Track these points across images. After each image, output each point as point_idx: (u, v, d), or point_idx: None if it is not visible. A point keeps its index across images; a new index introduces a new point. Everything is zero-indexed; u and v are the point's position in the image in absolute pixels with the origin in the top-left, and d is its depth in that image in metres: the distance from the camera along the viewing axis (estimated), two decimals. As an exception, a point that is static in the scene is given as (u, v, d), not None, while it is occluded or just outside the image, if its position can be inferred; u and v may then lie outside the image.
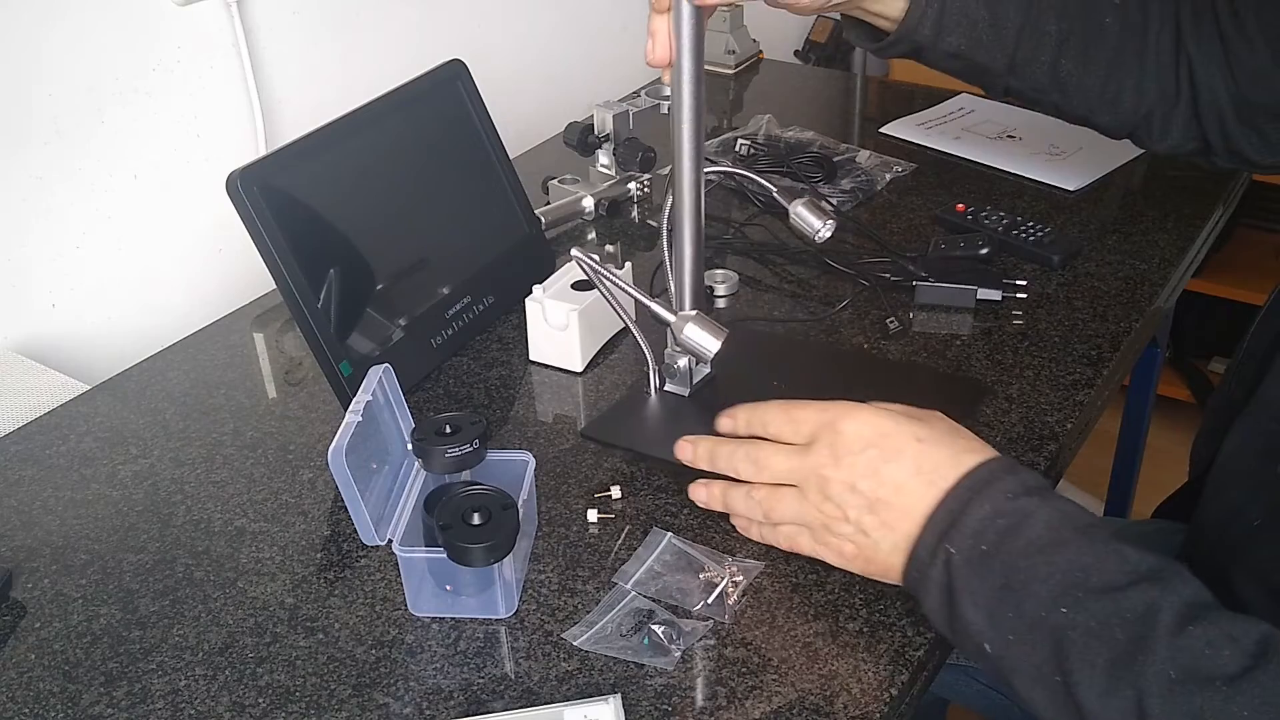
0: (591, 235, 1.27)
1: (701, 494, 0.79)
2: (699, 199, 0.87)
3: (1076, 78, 0.94)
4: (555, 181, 1.30)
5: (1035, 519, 0.63)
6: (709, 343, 0.88)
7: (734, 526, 0.84)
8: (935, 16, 0.91)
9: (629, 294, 0.93)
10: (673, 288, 0.92)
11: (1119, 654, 0.58)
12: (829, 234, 1.00)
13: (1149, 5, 0.93)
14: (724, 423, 0.78)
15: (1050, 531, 0.63)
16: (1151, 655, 0.57)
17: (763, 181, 1.05)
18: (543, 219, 1.20)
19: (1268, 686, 0.55)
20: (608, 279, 0.93)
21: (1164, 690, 0.56)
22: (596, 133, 1.31)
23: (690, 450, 0.78)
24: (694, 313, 0.89)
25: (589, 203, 1.27)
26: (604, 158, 1.32)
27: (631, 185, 1.31)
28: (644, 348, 0.94)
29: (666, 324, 0.89)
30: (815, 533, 0.72)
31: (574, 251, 0.93)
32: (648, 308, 0.90)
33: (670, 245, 0.90)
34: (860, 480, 0.69)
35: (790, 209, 1.01)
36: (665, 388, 0.96)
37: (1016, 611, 0.62)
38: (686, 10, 0.80)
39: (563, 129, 1.33)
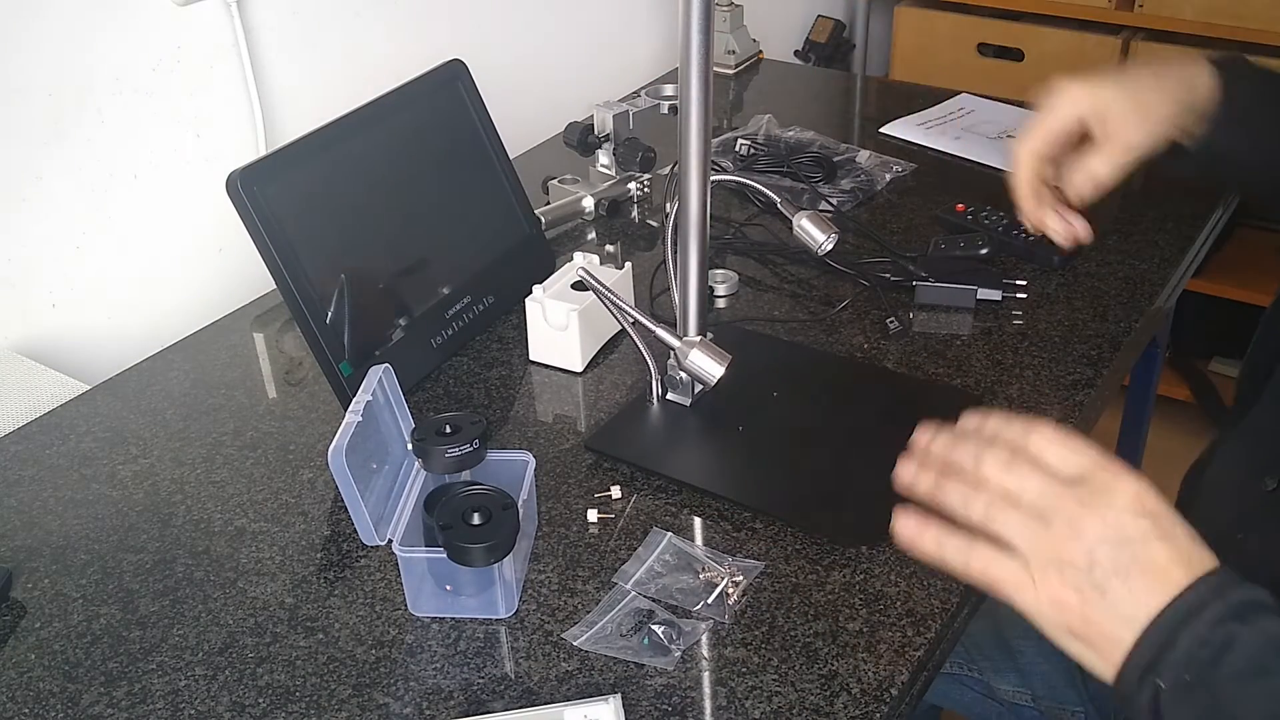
0: (591, 235, 1.27)
1: (909, 527, 0.67)
2: (704, 230, 0.88)
3: None
4: (555, 181, 1.30)
5: (1243, 646, 0.60)
6: (713, 369, 0.88)
7: (734, 526, 0.84)
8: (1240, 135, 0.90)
9: (631, 315, 0.93)
10: (677, 309, 0.92)
11: None
12: (831, 246, 1.01)
13: None
14: (969, 420, 0.68)
15: (1258, 657, 0.60)
16: None
17: (768, 191, 1.06)
18: (543, 219, 1.20)
19: None
20: (609, 300, 0.93)
21: None
22: (596, 133, 1.31)
23: (913, 475, 0.69)
24: (698, 339, 0.90)
25: (589, 203, 1.27)
26: (604, 158, 1.32)
27: (631, 185, 1.31)
28: (646, 358, 0.94)
29: (671, 349, 0.90)
30: (1034, 567, 0.63)
31: (579, 268, 0.93)
32: (652, 332, 0.90)
33: (674, 261, 0.91)
34: (1127, 544, 0.61)
35: (794, 221, 1.01)
36: (667, 397, 0.96)
37: None
38: (697, 10, 0.79)
39: (563, 129, 1.33)
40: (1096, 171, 0.88)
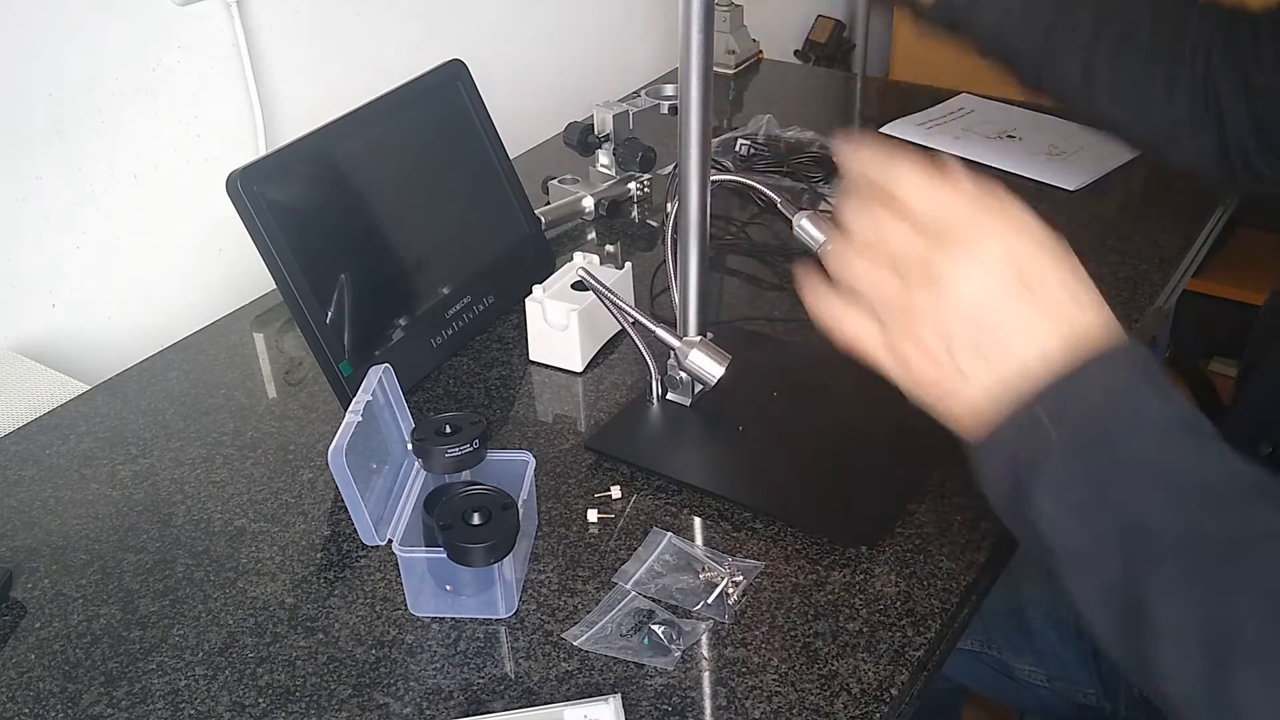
0: (591, 235, 1.27)
1: (811, 292, 0.63)
2: (704, 230, 0.88)
3: (1107, 77, 0.94)
4: (555, 181, 1.30)
5: (1149, 411, 0.56)
6: (713, 369, 0.88)
7: (734, 526, 0.84)
8: None
9: (631, 315, 0.93)
10: (677, 309, 0.92)
11: (1212, 566, 0.52)
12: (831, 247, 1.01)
13: (1187, 23, 0.93)
14: (847, 151, 0.62)
15: (1162, 426, 0.55)
16: (1252, 569, 0.51)
17: (768, 192, 1.06)
18: (543, 219, 1.20)
19: None
20: (610, 300, 0.93)
21: (1262, 611, 0.50)
22: (596, 133, 1.31)
23: (853, 154, 0.61)
24: (698, 339, 0.90)
25: (589, 203, 1.27)
26: (604, 158, 1.32)
27: (631, 185, 1.31)
28: (646, 358, 0.94)
29: (671, 349, 0.90)
30: (890, 332, 0.59)
31: (579, 268, 0.93)
32: (652, 332, 0.90)
33: (674, 261, 0.91)
34: (990, 312, 0.57)
35: (794, 221, 1.01)
36: (667, 397, 0.96)
37: (1102, 506, 0.54)
38: (697, 10, 0.79)
39: (563, 129, 1.33)
40: None
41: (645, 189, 1.31)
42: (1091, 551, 0.55)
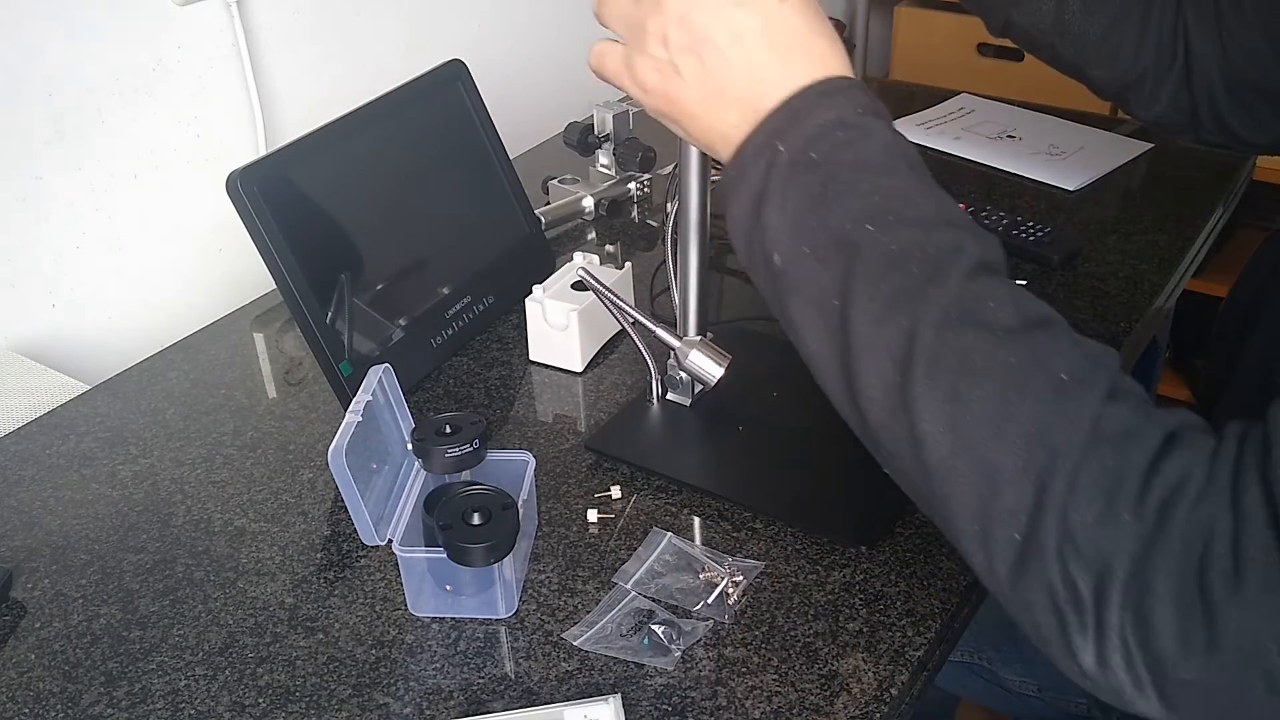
0: (591, 235, 1.27)
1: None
2: (704, 230, 0.88)
3: (1079, 21, 0.94)
4: (555, 181, 1.30)
5: (874, 140, 0.59)
6: (712, 369, 0.88)
7: (734, 526, 0.84)
8: None
9: (631, 315, 0.93)
10: (677, 309, 0.92)
11: (908, 284, 0.56)
12: None
13: None
14: None
15: (884, 155, 0.59)
16: (940, 290, 0.55)
17: None
18: (543, 219, 1.20)
19: (1038, 346, 0.54)
20: (609, 299, 0.93)
21: (939, 323, 0.54)
22: (596, 133, 1.31)
23: None
24: (698, 339, 0.89)
25: (589, 203, 1.27)
26: (604, 158, 1.32)
27: (631, 185, 1.31)
28: (646, 358, 0.94)
29: (671, 349, 0.90)
30: (629, 50, 0.63)
31: (579, 268, 0.93)
32: (652, 332, 0.90)
33: (675, 261, 0.90)
34: (699, 12, 0.60)
35: None
36: (667, 397, 0.96)
37: (821, 222, 0.57)
38: None
39: (563, 129, 1.33)
40: None
41: (645, 189, 1.31)
42: (808, 266, 0.58)
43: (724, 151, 0.62)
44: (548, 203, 1.27)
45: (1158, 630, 0.50)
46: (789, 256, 0.58)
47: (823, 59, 0.60)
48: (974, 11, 0.99)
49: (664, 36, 0.61)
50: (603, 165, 1.32)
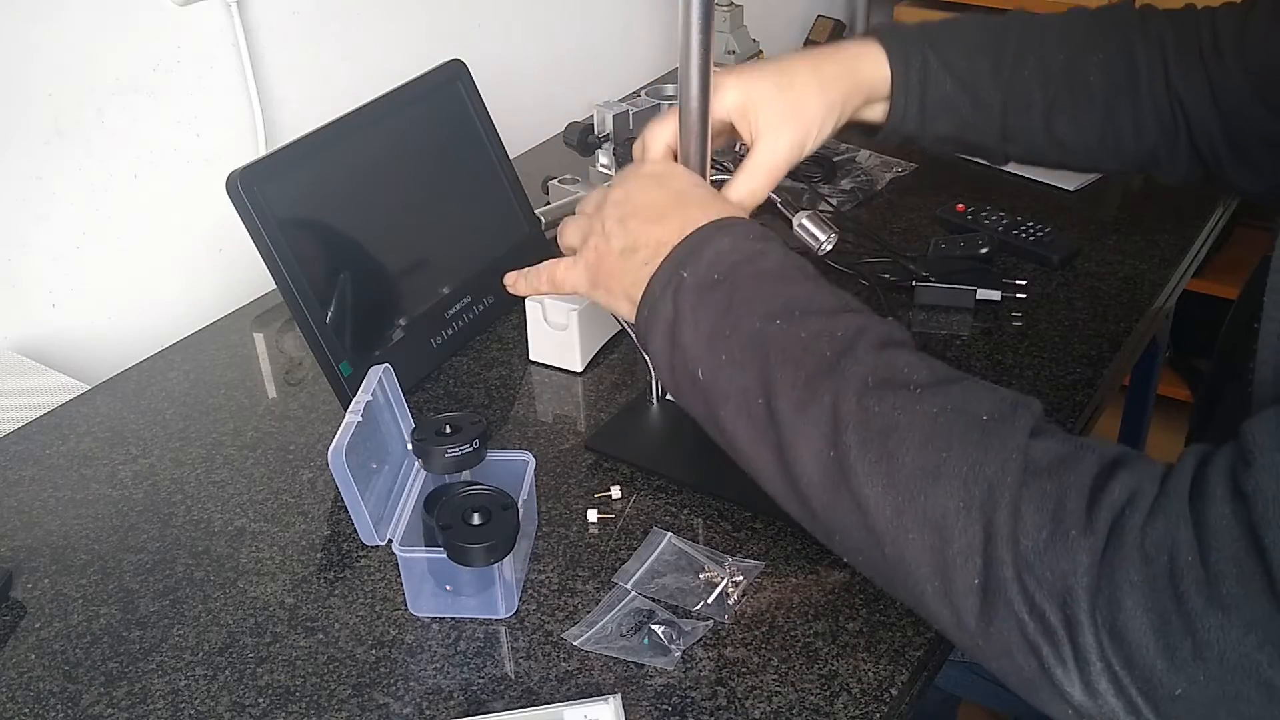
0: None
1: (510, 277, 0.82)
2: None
3: (1072, 136, 0.92)
4: (555, 181, 1.30)
5: (770, 256, 0.66)
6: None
7: (734, 526, 0.84)
8: (916, 114, 0.89)
9: None
10: None
11: (823, 366, 0.59)
12: (830, 247, 1.01)
13: (1134, 52, 0.91)
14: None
15: (781, 268, 0.65)
16: (854, 363, 0.59)
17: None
18: (543, 219, 1.20)
19: (956, 395, 0.57)
20: None
21: (859, 392, 0.58)
22: (596, 133, 1.31)
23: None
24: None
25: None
26: (604, 158, 1.32)
27: None
28: (646, 358, 0.94)
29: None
30: (582, 250, 0.74)
31: None
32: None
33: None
34: (625, 191, 0.73)
35: (794, 220, 1.01)
36: (667, 397, 0.96)
37: (734, 329, 0.63)
38: (697, 10, 0.79)
39: (563, 129, 1.33)
40: (731, 196, 0.84)
41: None
42: (728, 373, 0.62)
43: (637, 293, 0.69)
44: (548, 203, 1.27)
45: (1137, 645, 0.50)
46: (709, 368, 0.63)
47: (722, 211, 0.70)
48: (973, 156, 0.98)
49: (600, 223, 0.72)
50: (603, 165, 1.32)
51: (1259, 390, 0.60)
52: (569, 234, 0.76)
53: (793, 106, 0.84)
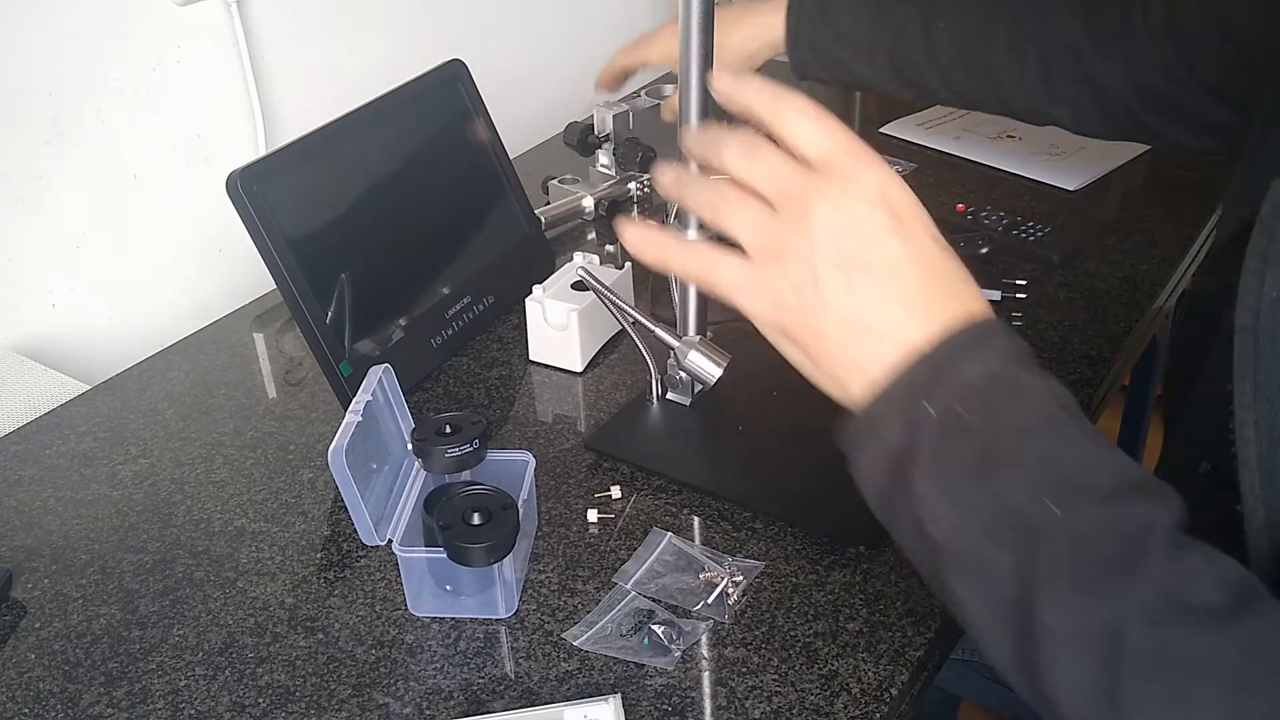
0: (591, 235, 1.27)
1: (631, 231, 0.60)
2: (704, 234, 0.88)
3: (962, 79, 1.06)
4: (555, 181, 1.30)
5: (1029, 398, 0.54)
6: (711, 369, 0.87)
7: (734, 526, 0.84)
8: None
9: (631, 315, 0.93)
10: (677, 309, 0.92)
11: (1103, 573, 0.50)
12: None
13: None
14: (721, 78, 0.59)
15: (1042, 414, 0.53)
16: (1141, 579, 0.50)
17: None
18: (543, 219, 1.20)
19: (1256, 632, 0.50)
20: (609, 299, 0.93)
21: (1147, 619, 0.49)
22: (596, 133, 1.31)
23: (725, 79, 0.60)
24: (697, 339, 0.89)
25: (589, 203, 1.27)
26: (604, 158, 1.32)
27: (631, 185, 1.31)
28: (646, 358, 0.94)
29: (671, 349, 0.90)
30: (755, 261, 0.57)
31: (579, 268, 0.93)
32: (652, 332, 0.90)
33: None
34: (854, 234, 0.54)
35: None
36: (667, 397, 0.96)
37: (988, 497, 0.52)
38: (697, 10, 0.79)
39: (563, 129, 1.33)
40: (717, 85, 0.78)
41: (645, 189, 1.31)
42: (976, 544, 0.53)
43: (854, 382, 0.56)
44: (548, 203, 1.27)
45: None
46: (949, 530, 0.53)
47: (968, 300, 0.56)
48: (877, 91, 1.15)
49: (808, 254, 0.55)
50: (603, 165, 1.32)
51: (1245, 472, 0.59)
52: (733, 215, 0.57)
53: (730, 23, 1.13)
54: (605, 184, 1.29)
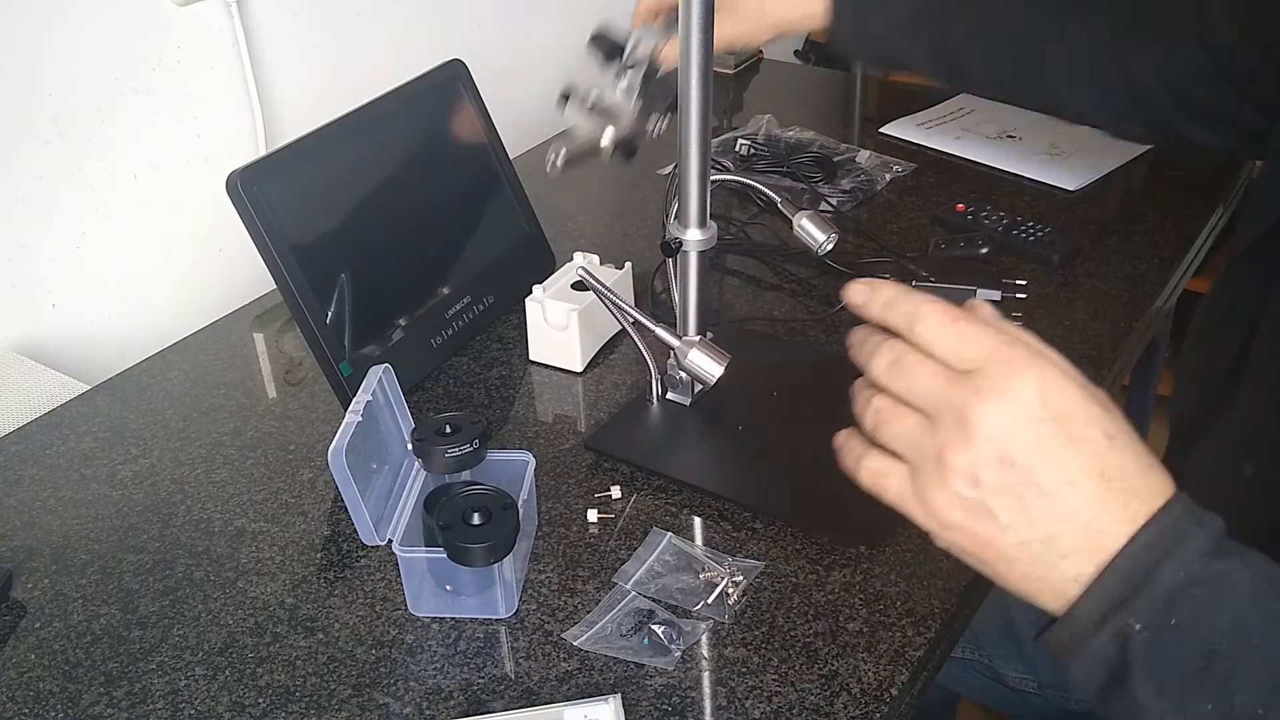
0: (591, 235, 1.27)
1: (840, 441, 0.62)
2: (704, 227, 0.88)
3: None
4: (572, 105, 1.16)
5: (1236, 590, 0.52)
6: (712, 369, 0.88)
7: (734, 526, 0.84)
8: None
9: (631, 315, 0.93)
10: (677, 309, 0.92)
11: None
12: (831, 246, 1.01)
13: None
14: (858, 291, 0.58)
15: (1254, 604, 0.52)
16: None
17: (768, 192, 1.06)
18: (558, 155, 1.07)
19: None
20: (609, 299, 0.93)
21: None
22: (624, 58, 1.19)
23: (862, 293, 0.58)
24: (697, 339, 0.89)
25: (608, 137, 1.12)
26: (624, 82, 1.15)
27: (650, 124, 1.22)
28: (646, 357, 0.94)
29: (671, 349, 0.90)
30: (920, 476, 0.56)
31: (579, 268, 0.93)
32: (652, 332, 0.90)
33: (675, 261, 0.90)
34: (1022, 452, 0.52)
35: (794, 221, 1.01)
36: (667, 397, 0.96)
37: (1218, 702, 0.51)
38: (697, 10, 0.79)
39: (589, 36, 1.23)
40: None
41: (662, 133, 1.23)
42: None
43: (1049, 600, 0.55)
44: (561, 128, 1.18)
45: None
46: None
47: (1151, 493, 0.53)
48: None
49: (974, 475, 0.53)
50: (622, 90, 1.22)
51: None
52: (888, 428, 0.57)
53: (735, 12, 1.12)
54: (625, 118, 1.14)
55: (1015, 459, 0.53)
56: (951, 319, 0.55)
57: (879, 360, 0.57)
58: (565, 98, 1.15)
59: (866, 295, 0.58)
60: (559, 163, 1.01)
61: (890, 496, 0.58)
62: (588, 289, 1.00)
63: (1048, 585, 0.54)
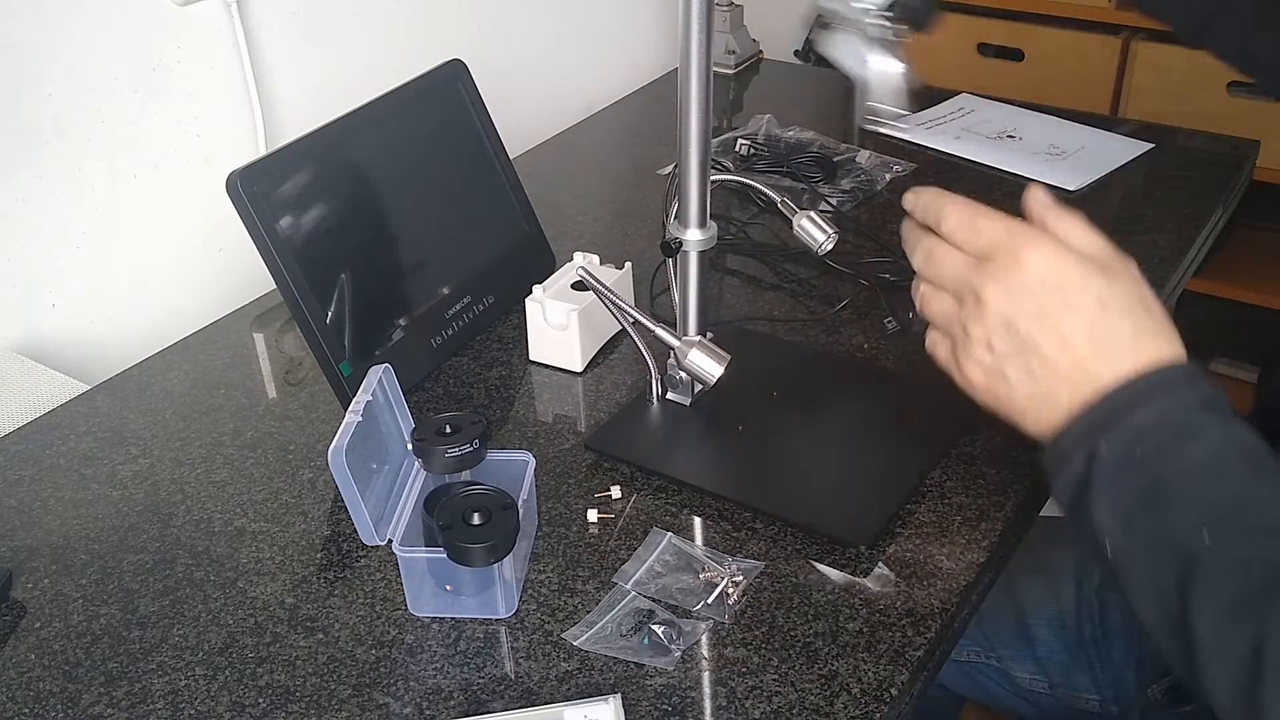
0: (591, 235, 1.27)
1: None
2: (704, 227, 0.88)
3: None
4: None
5: (1204, 438, 0.59)
6: (712, 369, 0.88)
7: (734, 526, 0.84)
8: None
9: (631, 315, 0.93)
10: (677, 309, 0.92)
11: (1249, 592, 0.56)
12: (831, 246, 1.01)
13: None
14: (908, 198, 0.71)
15: (1216, 458, 0.59)
16: None
17: (768, 192, 1.05)
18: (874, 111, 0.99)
19: None
20: (609, 299, 0.93)
21: None
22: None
23: (909, 199, 0.71)
24: (697, 339, 0.89)
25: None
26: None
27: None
28: (646, 358, 0.94)
29: (671, 349, 0.90)
30: (956, 347, 0.68)
31: (579, 268, 0.93)
32: (652, 332, 0.90)
33: (675, 261, 0.90)
34: (1022, 320, 0.63)
35: (794, 221, 1.01)
36: (667, 397, 0.96)
37: (1153, 525, 0.59)
38: (697, 10, 0.79)
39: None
40: None
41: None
42: (1141, 565, 0.60)
43: (1048, 432, 0.65)
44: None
45: None
46: (1118, 546, 0.61)
47: (1151, 346, 0.63)
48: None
49: (988, 342, 0.65)
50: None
51: None
52: (928, 307, 0.70)
53: None
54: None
55: (1019, 327, 0.64)
56: (970, 215, 0.67)
57: (919, 255, 0.69)
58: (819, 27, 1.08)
59: (912, 201, 0.70)
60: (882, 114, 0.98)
61: (940, 361, 0.70)
62: (588, 289, 1.00)
63: (1049, 427, 0.64)
